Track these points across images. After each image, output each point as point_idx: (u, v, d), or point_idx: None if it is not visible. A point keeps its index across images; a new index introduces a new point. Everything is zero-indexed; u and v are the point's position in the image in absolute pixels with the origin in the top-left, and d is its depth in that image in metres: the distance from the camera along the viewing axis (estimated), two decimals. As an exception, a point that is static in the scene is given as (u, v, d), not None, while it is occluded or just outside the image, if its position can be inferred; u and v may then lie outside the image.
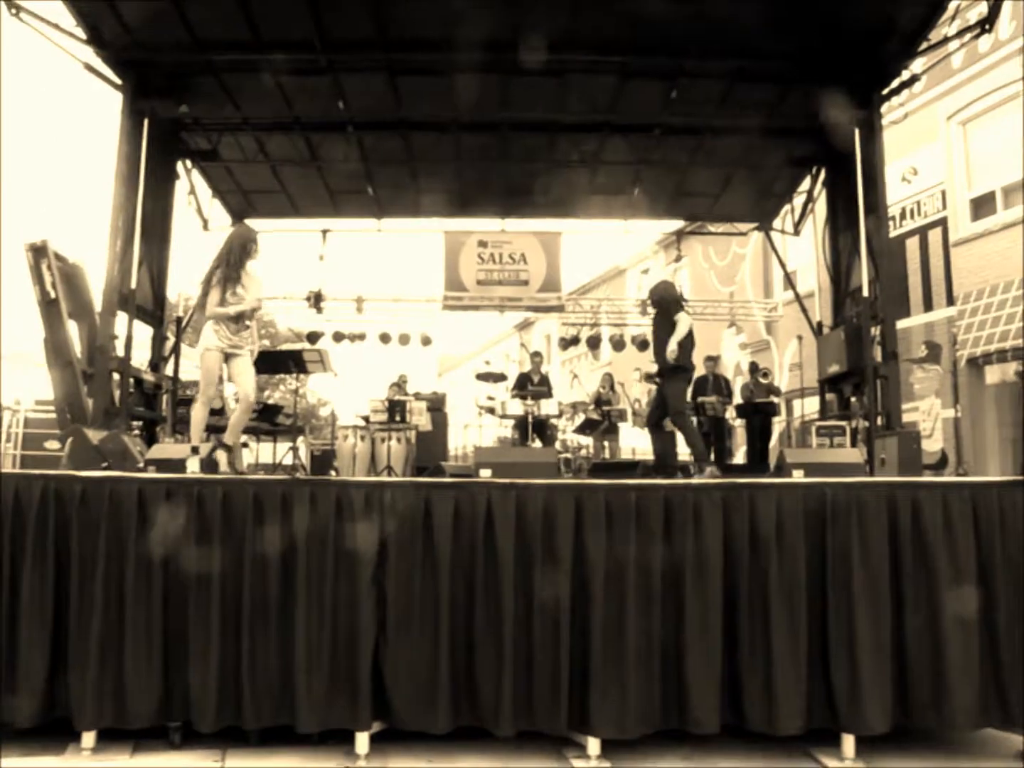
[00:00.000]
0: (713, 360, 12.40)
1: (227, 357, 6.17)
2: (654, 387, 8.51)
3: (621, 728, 4.34)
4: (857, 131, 9.67)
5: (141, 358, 10.45)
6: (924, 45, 9.47)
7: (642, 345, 14.13)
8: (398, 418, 9.98)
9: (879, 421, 9.38)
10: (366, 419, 10.58)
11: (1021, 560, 4.52)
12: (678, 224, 16.56)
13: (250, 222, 13.89)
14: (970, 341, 12.83)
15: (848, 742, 4.38)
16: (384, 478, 6.53)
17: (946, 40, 9.49)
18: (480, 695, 4.40)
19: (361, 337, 15.45)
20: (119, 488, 4.54)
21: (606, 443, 12.33)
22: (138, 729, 4.36)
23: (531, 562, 4.50)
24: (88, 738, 4.32)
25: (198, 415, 6.23)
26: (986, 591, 4.53)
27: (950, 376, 12.91)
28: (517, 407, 10.92)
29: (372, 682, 4.38)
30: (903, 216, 14.31)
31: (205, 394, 6.27)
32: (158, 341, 10.87)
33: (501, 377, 12.67)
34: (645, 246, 24.12)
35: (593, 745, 4.36)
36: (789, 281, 14.43)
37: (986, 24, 8.92)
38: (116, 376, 9.27)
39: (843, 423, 9.84)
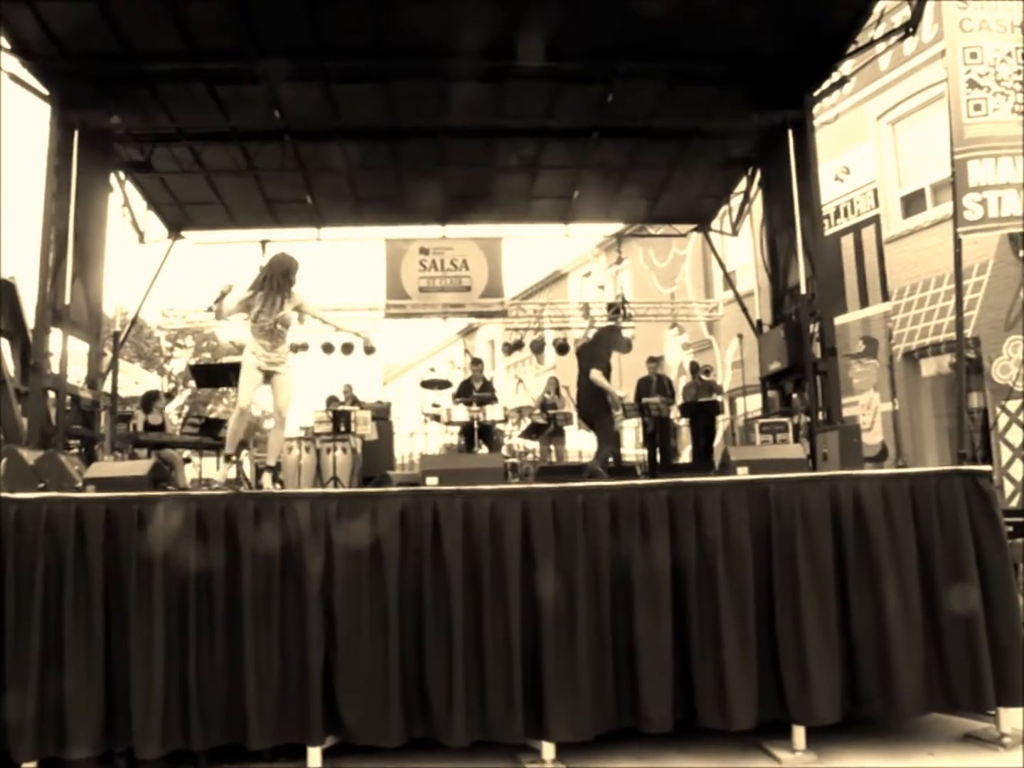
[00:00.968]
0: (656, 361, 12.50)
1: (267, 376, 6.32)
2: None
3: (576, 731, 4.34)
4: (790, 132, 9.85)
5: (78, 375, 10.21)
6: (852, 48, 9.69)
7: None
8: (343, 428, 9.89)
9: (820, 416, 9.56)
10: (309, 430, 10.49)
11: (959, 547, 4.63)
12: (618, 227, 16.72)
13: (187, 233, 13.73)
14: (905, 335, 13.13)
15: (799, 733, 4.44)
16: (329, 489, 6.50)
17: (873, 43, 9.71)
18: (432, 706, 4.37)
19: (304, 347, 15.31)
20: (56, 509, 4.43)
21: (552, 447, 12.35)
22: (81, 759, 4.23)
23: (479, 568, 4.49)
24: (29, 770, 4.18)
25: (233, 425, 6.41)
26: (927, 578, 4.63)
27: (887, 370, 13.24)
28: (462, 414, 10.90)
29: (324, 696, 4.33)
30: (837, 214, 14.60)
31: (239, 406, 6.43)
32: (95, 357, 10.61)
33: (446, 384, 12.63)
34: (586, 249, 24.31)
35: (548, 749, 4.35)
36: (729, 281, 14.62)
37: (910, 27, 9.14)
38: (51, 394, 9.05)
39: (785, 419, 9.98)
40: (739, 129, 11.00)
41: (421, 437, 13.30)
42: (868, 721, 4.69)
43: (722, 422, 14.77)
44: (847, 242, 14.45)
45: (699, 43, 9.33)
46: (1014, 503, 10.33)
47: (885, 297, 13.64)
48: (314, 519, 4.50)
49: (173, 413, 23.57)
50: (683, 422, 12.89)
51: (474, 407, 10.76)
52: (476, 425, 10.63)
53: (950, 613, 4.57)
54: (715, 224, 14.46)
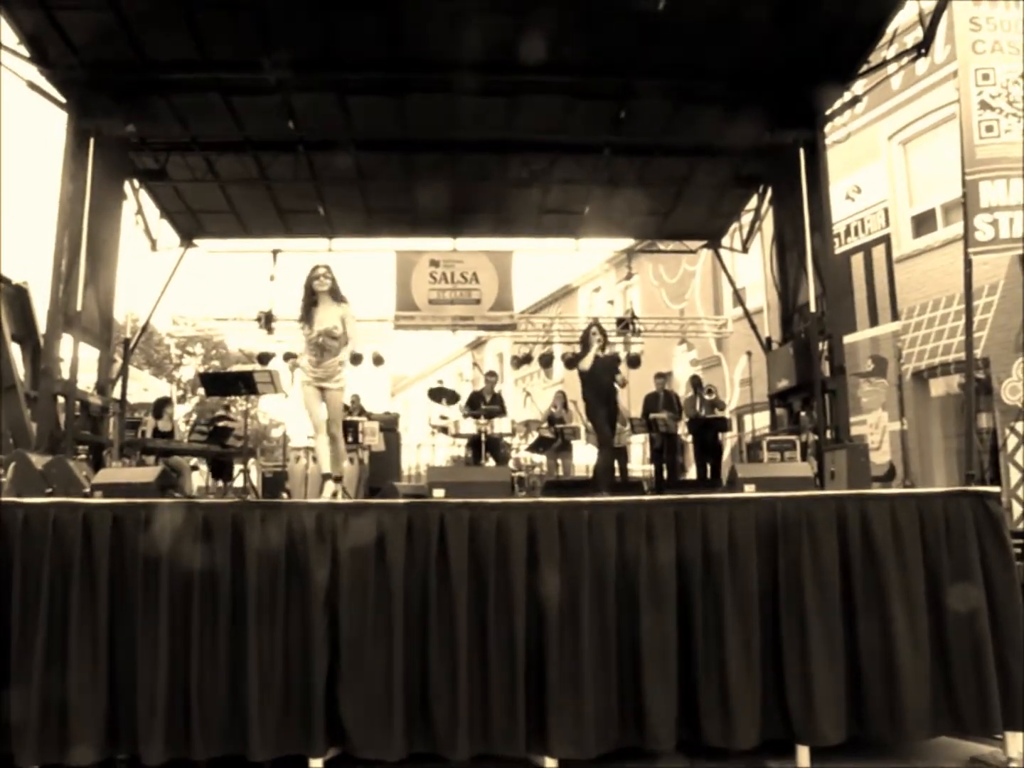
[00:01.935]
0: (663, 377, 12.50)
1: (321, 391, 6.40)
2: None
3: (579, 748, 4.31)
4: (802, 151, 9.86)
5: (88, 381, 10.24)
6: (864, 68, 9.71)
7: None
8: (350, 438, 9.89)
9: (828, 435, 9.53)
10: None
11: (966, 568, 4.60)
12: (628, 242, 16.73)
13: (199, 242, 13.79)
14: (915, 355, 13.10)
15: (803, 753, 4.41)
16: (336, 500, 6.49)
17: (885, 63, 9.73)
18: (435, 719, 4.35)
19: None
20: (63, 514, 4.44)
21: (559, 461, 12.34)
22: (84, 766, 4.22)
23: (485, 582, 4.48)
24: (31, 774, 4.18)
25: (317, 447, 6.65)
26: (934, 599, 4.60)
27: (896, 389, 13.20)
28: (470, 426, 10.91)
29: (326, 708, 4.31)
30: (848, 233, 14.58)
31: (314, 427, 6.55)
32: (105, 363, 10.65)
33: (454, 396, 12.64)
34: (596, 264, 24.33)
35: (551, 765, 4.33)
36: (738, 298, 14.61)
37: (922, 48, 9.15)
38: (61, 399, 9.07)
39: (793, 437, 9.96)
40: (751, 147, 11.02)
41: (428, 449, 13.31)
42: (873, 743, 4.63)
43: (729, 439, 14.74)
44: (857, 261, 14.42)
45: (712, 61, 9.36)
46: (1022, 525, 10.27)
47: (895, 316, 13.61)
48: (320, 529, 4.50)
49: (181, 420, 23.64)
50: (691, 438, 12.86)
51: (482, 420, 10.76)
52: (483, 438, 10.64)
53: (957, 635, 4.55)
54: (725, 241, 14.45)
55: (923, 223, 13.51)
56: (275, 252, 14.20)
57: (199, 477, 11.18)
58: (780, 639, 4.52)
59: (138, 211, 12.30)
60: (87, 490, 6.26)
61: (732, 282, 14.68)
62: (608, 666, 4.45)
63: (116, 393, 10.93)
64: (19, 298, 9.48)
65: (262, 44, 8.98)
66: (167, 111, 10.22)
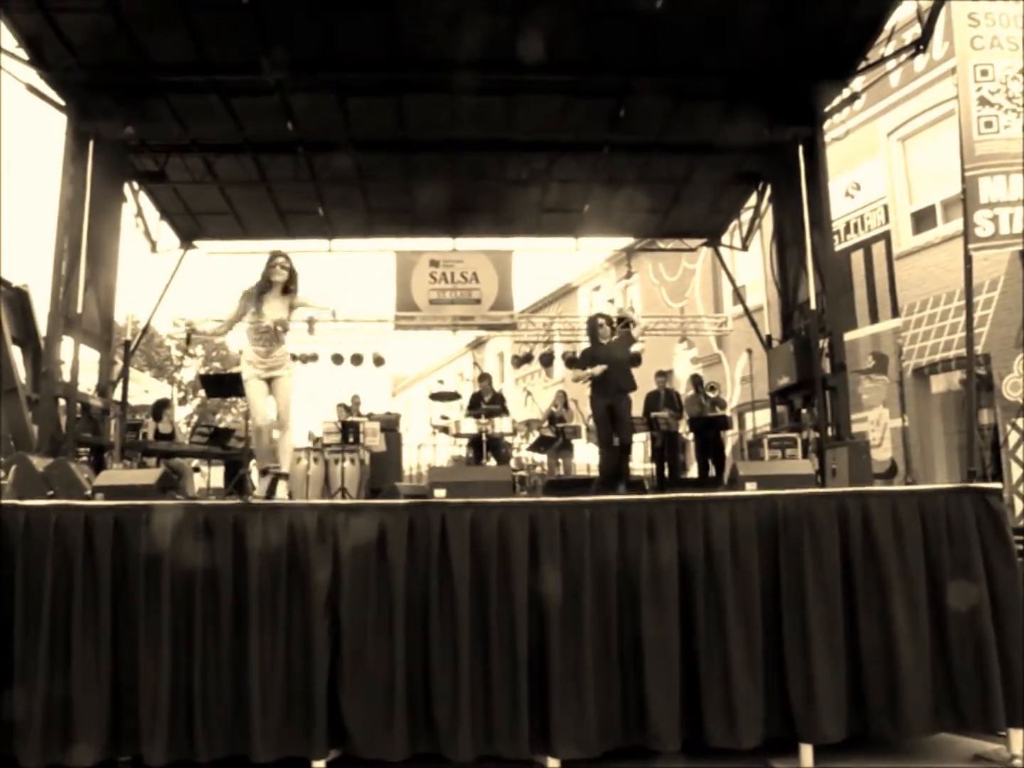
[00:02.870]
0: (664, 375, 12.48)
1: (268, 382, 6.26)
2: None
3: (583, 747, 4.32)
4: (801, 148, 9.85)
5: (88, 383, 10.24)
6: (863, 64, 9.70)
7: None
8: (351, 439, 9.89)
9: (829, 432, 9.52)
10: (317, 440, 10.49)
11: (968, 565, 4.60)
12: (628, 241, 16.71)
13: (199, 244, 13.78)
14: (916, 351, 13.09)
15: (806, 751, 4.41)
16: (337, 501, 6.48)
17: (883, 60, 9.72)
18: (437, 720, 4.35)
19: (313, 358, 15.35)
20: (65, 516, 4.45)
21: (560, 460, 12.33)
22: (87, 767, 4.22)
23: (486, 581, 4.48)
24: (35, 776, 4.18)
25: (255, 446, 6.41)
26: (936, 596, 4.60)
27: (897, 386, 13.14)
28: (471, 426, 10.90)
29: (328, 709, 4.32)
30: (847, 230, 14.57)
31: (255, 424, 6.34)
32: (106, 365, 10.65)
33: (455, 396, 12.64)
34: (596, 263, 24.31)
35: (554, 766, 4.33)
36: (739, 295, 14.60)
37: (920, 45, 9.14)
38: (62, 402, 9.07)
39: (794, 435, 9.95)
40: (750, 144, 11.01)
41: (429, 449, 13.29)
42: (876, 740, 4.63)
43: (730, 437, 14.73)
44: (857, 258, 14.41)
45: (711, 59, 9.34)
46: (1024, 521, 10.27)
47: (895, 313, 13.60)
48: (321, 530, 4.50)
49: (182, 422, 23.64)
50: (691, 436, 12.85)
51: (483, 419, 10.76)
52: (484, 437, 10.63)
53: (959, 632, 4.55)
54: (725, 239, 14.43)
55: (923, 219, 13.50)
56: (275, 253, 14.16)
57: (201, 479, 11.18)
58: (782, 637, 4.52)
59: (138, 213, 12.30)
60: (88, 492, 6.26)
61: (732, 280, 14.66)
62: (610, 665, 4.45)
63: (117, 395, 10.93)
64: (20, 301, 9.48)
65: (261, 45, 8.96)
66: (166, 113, 10.20)
